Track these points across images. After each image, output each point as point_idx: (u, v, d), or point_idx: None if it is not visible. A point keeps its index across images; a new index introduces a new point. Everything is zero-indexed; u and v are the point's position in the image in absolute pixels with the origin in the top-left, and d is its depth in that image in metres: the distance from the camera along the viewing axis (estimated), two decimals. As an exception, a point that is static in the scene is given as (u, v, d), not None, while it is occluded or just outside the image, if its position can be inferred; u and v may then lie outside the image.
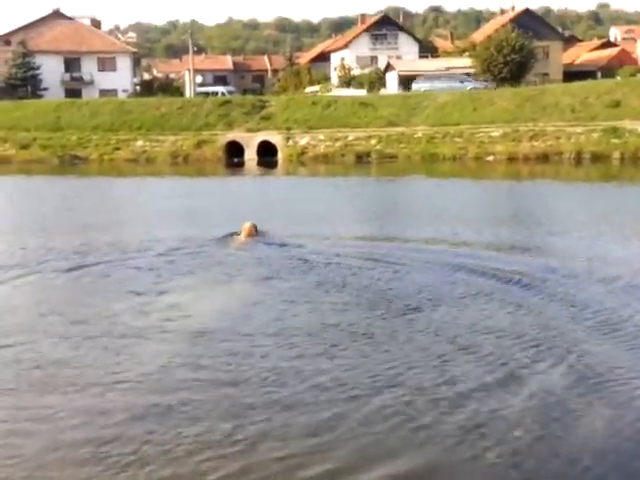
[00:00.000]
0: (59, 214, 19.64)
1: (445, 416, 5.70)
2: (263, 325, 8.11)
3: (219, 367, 6.80)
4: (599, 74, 62.16)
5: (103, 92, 61.20)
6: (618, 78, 50.22)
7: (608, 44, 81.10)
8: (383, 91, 58.46)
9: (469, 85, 53.08)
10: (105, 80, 63.20)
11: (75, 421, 5.74)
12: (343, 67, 67.68)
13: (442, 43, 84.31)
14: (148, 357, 7.10)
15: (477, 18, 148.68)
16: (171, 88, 70.29)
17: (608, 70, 62.42)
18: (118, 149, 42.02)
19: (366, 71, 66.62)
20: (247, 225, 13.11)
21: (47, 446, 5.39)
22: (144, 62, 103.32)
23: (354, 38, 73.53)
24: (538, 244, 13.13)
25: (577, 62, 72.97)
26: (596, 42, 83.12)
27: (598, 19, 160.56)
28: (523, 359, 6.89)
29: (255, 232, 13.05)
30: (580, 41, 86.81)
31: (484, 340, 7.40)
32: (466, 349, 7.16)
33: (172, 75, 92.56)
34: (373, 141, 39.49)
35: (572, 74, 61.69)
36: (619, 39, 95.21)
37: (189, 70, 70.65)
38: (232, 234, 13.25)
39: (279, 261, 11.42)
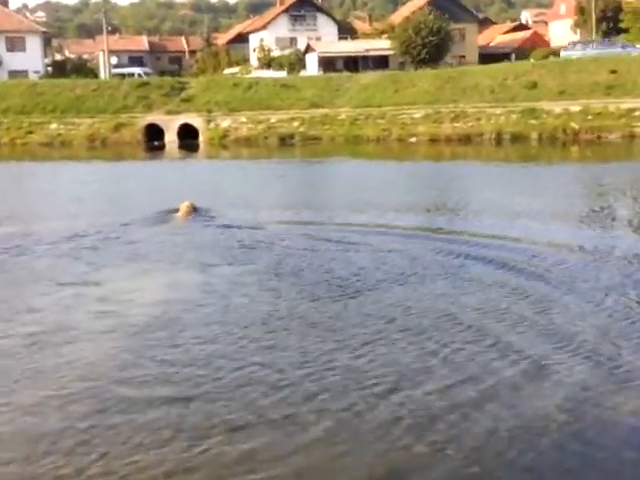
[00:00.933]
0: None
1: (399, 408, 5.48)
2: (206, 316, 7.70)
3: (159, 370, 6.25)
4: (513, 56, 63.39)
5: (13, 73, 58.60)
6: (532, 60, 51.25)
7: (520, 27, 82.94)
8: (303, 73, 58.06)
9: (634, 51, 45.13)
10: (14, 61, 60.48)
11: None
12: (262, 48, 66.88)
13: (360, 25, 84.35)
14: (81, 360, 6.54)
15: (394, 0, 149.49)
16: (85, 69, 67.82)
17: (521, 52, 63.74)
18: (31, 132, 40.37)
19: (286, 52, 66.02)
20: (185, 204, 13.42)
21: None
22: (55, 42, 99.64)
23: (273, 19, 72.73)
24: (456, 221, 13.49)
25: (492, 44, 74.32)
26: (509, 25, 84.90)
27: (510, 2, 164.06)
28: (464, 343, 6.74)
29: (193, 211, 13.36)
30: (494, 23, 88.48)
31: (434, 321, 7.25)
32: (409, 330, 6.96)
33: (85, 56, 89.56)
34: (296, 123, 39.14)
35: (487, 56, 62.77)
36: (530, 22, 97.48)
37: (103, 51, 68.36)
38: (170, 212, 13.46)
39: (216, 242, 11.37)
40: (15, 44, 62.19)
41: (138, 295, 8.67)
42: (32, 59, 60.99)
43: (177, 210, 13.44)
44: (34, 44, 62.71)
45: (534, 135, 34.22)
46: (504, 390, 5.78)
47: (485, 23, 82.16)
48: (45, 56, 67.67)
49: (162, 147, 38.49)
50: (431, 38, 56.26)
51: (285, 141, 37.98)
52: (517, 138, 34.27)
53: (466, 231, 12.22)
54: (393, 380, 5.96)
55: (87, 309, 8.06)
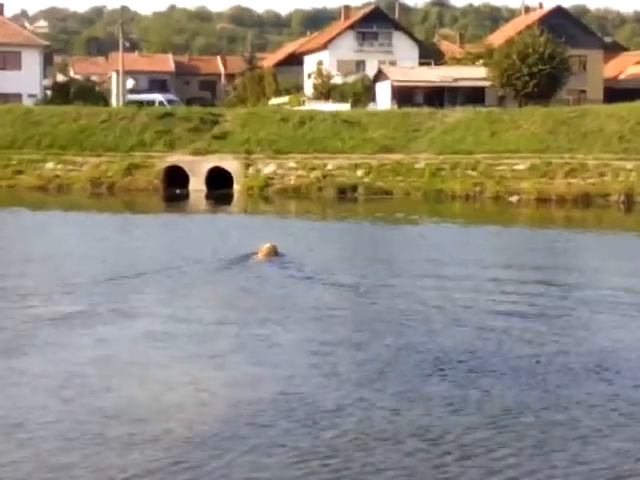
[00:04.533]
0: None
1: None
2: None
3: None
4: (651, 93, 63.12)
5: (3, 97, 60.62)
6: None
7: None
8: (372, 106, 58.75)
9: None
10: (5, 81, 62.56)
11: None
12: (320, 73, 68.06)
13: (449, 47, 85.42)
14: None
15: (493, 16, 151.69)
16: (93, 94, 69.93)
17: (662, 88, 63.45)
18: (20, 173, 41.46)
19: (350, 79, 67.00)
20: (267, 245, 17.77)
21: None
22: (58, 59, 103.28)
23: (335, 36, 74.21)
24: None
25: (622, 77, 74.19)
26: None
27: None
28: None
29: (274, 253, 17.70)
30: (625, 50, 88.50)
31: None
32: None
33: (94, 77, 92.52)
34: (360, 171, 39.38)
35: (616, 92, 62.61)
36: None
37: (117, 71, 70.56)
38: (251, 254, 17.69)
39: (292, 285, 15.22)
40: (8, 60, 64.44)
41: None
42: (28, 80, 63.04)
43: (256, 253, 17.62)
44: (32, 61, 64.92)
45: (678, 198, 33.81)
46: None
47: (614, 49, 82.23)
48: (44, 76, 70.02)
49: (185, 196, 39.07)
50: (541, 67, 56.48)
51: (345, 194, 38.23)
52: (655, 201, 33.91)
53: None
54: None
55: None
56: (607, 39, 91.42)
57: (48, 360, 10.11)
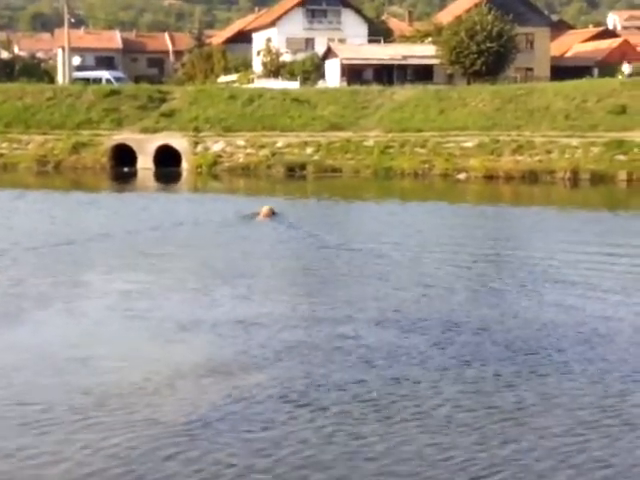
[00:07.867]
0: None
1: None
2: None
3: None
4: (595, 71, 63.80)
5: (-55, 74, 59.74)
6: (620, 77, 51.56)
7: (606, 33, 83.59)
8: (321, 84, 58.70)
9: None
10: (-52, 58, 61.77)
11: None
12: (269, 51, 67.78)
13: (398, 25, 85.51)
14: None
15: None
16: (38, 71, 69.11)
17: (607, 66, 64.13)
18: (-36, 151, 40.98)
19: (299, 57, 66.81)
20: (266, 207, 21.76)
21: None
22: (2, 35, 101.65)
23: (284, 14, 73.74)
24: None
25: (568, 55, 74.93)
26: (592, 30, 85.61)
27: (593, 2, 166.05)
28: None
29: (272, 213, 21.58)
30: (572, 28, 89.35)
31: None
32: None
33: (40, 54, 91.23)
34: (310, 149, 39.46)
35: (562, 70, 63.22)
36: (619, 27, 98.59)
37: (63, 48, 69.55)
38: (253, 214, 21.71)
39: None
40: (-50, 36, 63.45)
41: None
42: (-29, 56, 62.18)
43: (258, 213, 21.54)
44: (-25, 37, 63.98)
45: (622, 175, 34.23)
46: None
47: (560, 27, 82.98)
48: (-12, 53, 68.95)
49: (133, 175, 38.86)
50: (489, 44, 56.78)
51: (294, 172, 38.29)
52: (599, 178, 34.30)
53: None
54: None
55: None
56: (554, 17, 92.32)
57: (15, 335, 10.14)
